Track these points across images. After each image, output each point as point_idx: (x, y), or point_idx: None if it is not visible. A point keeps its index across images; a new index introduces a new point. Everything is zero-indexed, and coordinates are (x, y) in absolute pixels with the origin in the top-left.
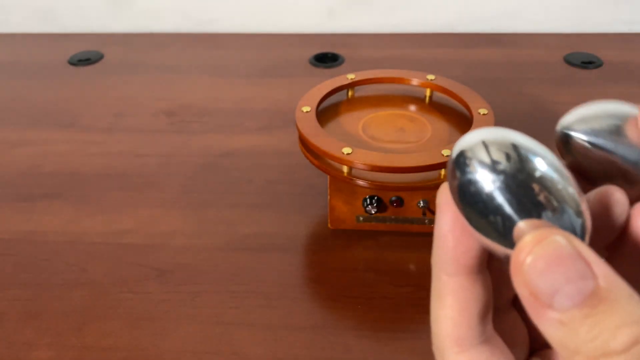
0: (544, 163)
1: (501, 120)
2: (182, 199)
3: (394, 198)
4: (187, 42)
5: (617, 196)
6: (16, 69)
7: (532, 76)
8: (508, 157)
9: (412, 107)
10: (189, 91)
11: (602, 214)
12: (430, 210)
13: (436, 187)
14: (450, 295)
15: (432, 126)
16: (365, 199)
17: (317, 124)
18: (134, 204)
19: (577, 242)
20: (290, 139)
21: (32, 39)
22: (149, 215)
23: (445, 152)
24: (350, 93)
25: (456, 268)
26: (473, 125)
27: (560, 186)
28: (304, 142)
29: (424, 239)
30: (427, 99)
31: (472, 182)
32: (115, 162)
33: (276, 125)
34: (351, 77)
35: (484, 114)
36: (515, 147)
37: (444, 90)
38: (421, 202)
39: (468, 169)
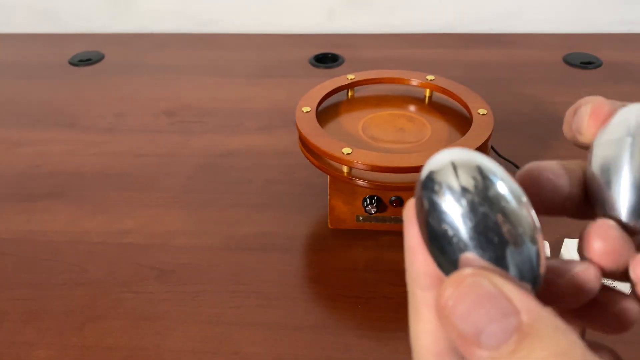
0: (508, 192)
1: (501, 120)
2: (182, 199)
3: (393, 198)
4: (188, 43)
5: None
6: (17, 69)
7: (531, 76)
8: (475, 184)
9: (412, 108)
10: (189, 91)
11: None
12: None
13: None
14: (427, 309)
15: (432, 126)
16: (365, 199)
17: (317, 124)
18: (134, 204)
19: (498, 279)
20: (290, 139)
21: (33, 39)
22: (149, 215)
23: None
24: (350, 93)
25: (429, 282)
26: (472, 125)
27: (519, 216)
28: (304, 142)
29: None
30: (427, 99)
31: (435, 206)
32: (116, 162)
33: (276, 125)
34: (351, 77)
35: (483, 114)
36: (481, 173)
37: (444, 91)
38: None
39: (434, 192)
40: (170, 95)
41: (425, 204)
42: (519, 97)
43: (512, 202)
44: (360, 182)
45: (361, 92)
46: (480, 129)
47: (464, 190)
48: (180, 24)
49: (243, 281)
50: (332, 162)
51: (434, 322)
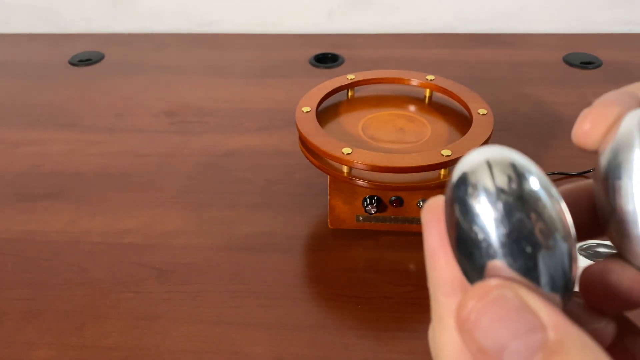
0: (544, 193)
1: (500, 120)
2: (182, 199)
3: (393, 198)
4: (188, 43)
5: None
6: (17, 69)
7: (531, 76)
8: (511, 185)
9: (412, 108)
10: (190, 91)
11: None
12: None
13: (436, 187)
14: (451, 318)
15: (432, 126)
16: (365, 199)
17: (317, 124)
18: (135, 204)
19: (524, 292)
20: (290, 139)
21: (33, 39)
22: (149, 215)
23: (445, 152)
24: (350, 93)
25: (453, 288)
26: (472, 126)
27: (554, 220)
28: (304, 142)
29: None
30: (427, 99)
31: (468, 209)
32: (116, 162)
33: (276, 125)
34: (351, 77)
35: (483, 114)
36: (517, 171)
37: (444, 91)
38: (421, 201)
39: (468, 194)
40: (171, 95)
41: (457, 206)
42: (519, 97)
43: (549, 205)
44: (360, 182)
45: (361, 92)
46: (480, 129)
47: (500, 191)
48: (180, 24)
49: (243, 281)
50: (332, 162)
51: None
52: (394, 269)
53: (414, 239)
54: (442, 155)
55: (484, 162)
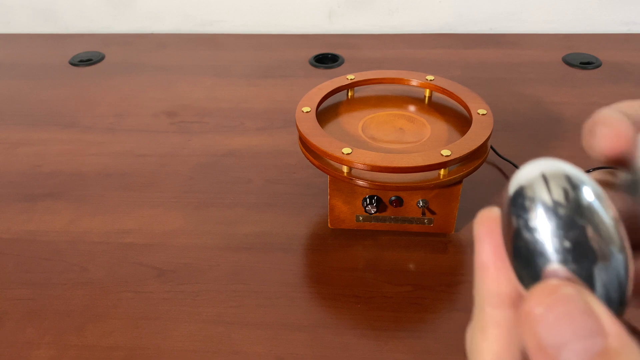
0: (599, 205)
1: (500, 120)
2: (182, 199)
3: (393, 198)
4: (188, 43)
5: None
6: (18, 69)
7: (530, 77)
8: (567, 198)
9: (412, 108)
10: (190, 91)
11: None
12: (429, 209)
13: (435, 186)
14: (495, 328)
15: (432, 126)
16: (364, 199)
17: (317, 124)
18: (135, 203)
19: (590, 297)
20: (290, 139)
21: (33, 40)
22: (149, 215)
23: (445, 152)
24: (350, 93)
25: (500, 301)
26: (472, 126)
27: (610, 231)
28: (304, 142)
29: (423, 238)
30: (427, 99)
31: (526, 222)
32: (116, 162)
33: (276, 125)
34: (351, 77)
35: (482, 114)
36: (572, 184)
37: (443, 91)
38: (420, 201)
39: (525, 208)
40: (171, 95)
41: (515, 219)
42: (519, 97)
43: (604, 217)
44: (360, 182)
45: (361, 92)
46: (480, 129)
47: (557, 204)
48: (180, 24)
49: (243, 281)
50: (332, 162)
51: (501, 341)
52: (393, 268)
53: (414, 238)
54: (442, 155)
55: (539, 175)
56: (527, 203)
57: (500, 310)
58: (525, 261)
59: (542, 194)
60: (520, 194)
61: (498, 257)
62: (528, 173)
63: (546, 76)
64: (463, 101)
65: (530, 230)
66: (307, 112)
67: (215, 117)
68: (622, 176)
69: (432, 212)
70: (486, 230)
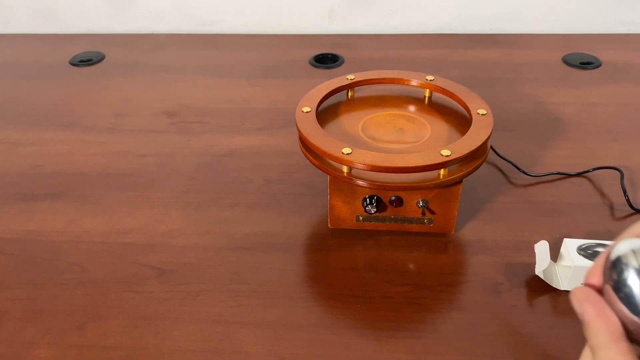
0: None
1: (500, 120)
2: (182, 199)
3: (393, 198)
4: (188, 43)
5: None
6: (17, 69)
7: (530, 77)
8: None
9: (412, 108)
10: (190, 91)
11: None
12: (429, 209)
13: (435, 186)
14: (622, 356)
15: (432, 126)
16: (364, 199)
17: (317, 124)
18: (135, 203)
19: None
20: (290, 139)
21: (34, 40)
22: (149, 215)
23: (445, 152)
24: (350, 93)
25: (615, 336)
26: (472, 126)
27: None
28: (304, 142)
29: (423, 238)
30: (427, 99)
31: (623, 278)
32: (116, 162)
33: (276, 125)
34: (351, 77)
35: (483, 114)
36: None
37: (443, 91)
38: (420, 201)
39: (621, 271)
40: (171, 96)
41: (615, 275)
42: (519, 97)
43: None
44: (360, 182)
45: (361, 92)
46: (480, 129)
47: None
48: (180, 24)
49: (243, 281)
50: (332, 162)
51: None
52: (393, 268)
53: (414, 238)
54: (442, 155)
55: (630, 249)
56: (623, 267)
57: (620, 343)
58: (626, 303)
59: (632, 261)
60: (618, 260)
61: (606, 312)
62: (623, 248)
63: (546, 76)
64: (463, 101)
65: (626, 283)
66: (307, 112)
67: (215, 117)
68: None
69: (432, 212)
70: (586, 296)
